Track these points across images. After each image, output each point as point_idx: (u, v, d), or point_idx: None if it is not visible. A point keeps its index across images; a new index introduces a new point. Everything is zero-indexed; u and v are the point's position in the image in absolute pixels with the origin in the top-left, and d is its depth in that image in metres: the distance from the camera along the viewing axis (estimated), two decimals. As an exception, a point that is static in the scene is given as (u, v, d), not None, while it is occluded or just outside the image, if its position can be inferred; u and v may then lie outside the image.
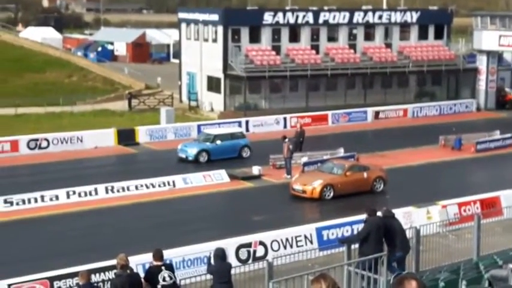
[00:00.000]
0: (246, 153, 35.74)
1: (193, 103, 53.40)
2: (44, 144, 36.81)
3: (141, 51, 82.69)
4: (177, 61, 61.82)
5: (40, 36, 79.34)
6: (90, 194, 27.65)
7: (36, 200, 26.55)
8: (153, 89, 60.59)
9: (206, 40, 52.70)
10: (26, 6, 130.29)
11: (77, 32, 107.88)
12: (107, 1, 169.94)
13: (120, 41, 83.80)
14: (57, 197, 26.99)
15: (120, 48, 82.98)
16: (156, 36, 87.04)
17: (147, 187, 28.94)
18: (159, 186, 29.22)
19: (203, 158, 34.39)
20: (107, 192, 28.01)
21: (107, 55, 79.84)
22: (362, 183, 28.36)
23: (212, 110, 51.46)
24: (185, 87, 55.95)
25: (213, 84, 52.11)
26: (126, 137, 39.13)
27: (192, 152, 34.60)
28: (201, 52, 53.24)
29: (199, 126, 41.72)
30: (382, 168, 29.87)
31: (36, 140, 36.77)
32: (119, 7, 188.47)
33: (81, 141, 37.73)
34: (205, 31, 52.69)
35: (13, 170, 33.09)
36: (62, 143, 37.26)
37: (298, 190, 27.97)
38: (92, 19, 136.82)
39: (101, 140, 38.35)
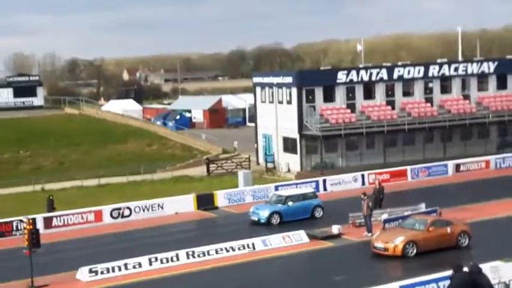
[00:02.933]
0: (318, 213, 35.25)
1: (270, 165, 53.70)
2: (127, 212, 37.64)
3: (217, 116, 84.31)
4: (252, 124, 62.62)
5: (121, 108, 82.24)
6: (172, 260, 27.91)
7: (120, 269, 26.98)
8: (230, 153, 61.40)
9: (281, 102, 53.30)
10: (107, 81, 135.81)
11: (156, 102, 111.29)
12: (184, 71, 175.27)
13: (197, 108, 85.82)
14: (140, 265, 27.38)
15: (198, 115, 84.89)
16: (232, 102, 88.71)
17: (227, 251, 29.00)
18: (239, 249, 29.22)
19: (275, 220, 34.10)
20: (188, 257, 28.22)
21: (185, 123, 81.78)
22: (446, 239, 27.54)
23: (289, 170, 51.54)
24: (261, 149, 56.45)
25: (289, 145, 52.37)
26: (206, 201, 39.57)
27: (264, 214, 34.34)
28: (276, 114, 53.80)
29: (276, 188, 41.73)
30: (465, 223, 28.95)
31: (119, 209, 37.65)
32: (195, 76, 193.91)
33: (162, 208, 38.38)
34: (280, 93, 53.36)
35: (97, 240, 33.83)
36: (143, 210, 38.01)
37: (379, 248, 27.38)
38: (170, 89, 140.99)
39: (181, 205, 38.90)
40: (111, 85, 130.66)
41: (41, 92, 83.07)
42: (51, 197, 39.17)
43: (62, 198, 45.32)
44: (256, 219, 34.64)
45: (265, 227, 33.59)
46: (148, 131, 69.05)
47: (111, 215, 37.20)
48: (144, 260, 27.61)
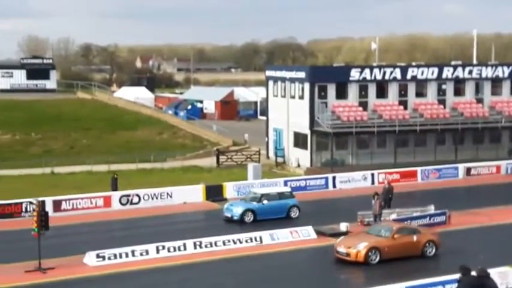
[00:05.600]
0: (294, 213, 34.46)
1: (280, 159, 53.69)
2: (135, 199, 37.77)
3: (229, 108, 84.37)
4: (264, 118, 62.65)
5: (133, 96, 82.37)
6: (179, 249, 28.00)
7: (127, 255, 27.09)
8: (240, 145, 61.42)
9: (293, 97, 53.24)
10: (120, 68, 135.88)
11: (168, 91, 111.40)
12: (197, 61, 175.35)
13: (209, 99, 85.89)
14: (147, 252, 27.49)
15: (209, 106, 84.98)
16: (244, 94, 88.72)
17: (235, 243, 29.07)
18: (246, 242, 29.28)
19: (248, 218, 33.39)
20: (195, 247, 28.32)
21: (196, 113, 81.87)
22: (412, 247, 26.82)
23: (299, 166, 51.53)
24: (272, 143, 56.44)
25: (299, 141, 52.32)
26: (214, 192, 39.64)
27: (237, 211, 33.60)
28: (288, 109, 53.75)
29: (285, 182, 41.76)
30: (434, 232, 28.42)
31: (128, 195, 37.78)
32: (208, 66, 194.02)
33: (171, 197, 38.48)
34: (292, 88, 53.28)
35: (105, 225, 33.96)
36: (152, 198, 38.12)
37: (342, 253, 26.49)
38: (183, 78, 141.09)
39: (190, 195, 38.99)
40: (124, 72, 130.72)
41: (54, 75, 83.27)
42: (115, 176, 39.97)
43: (71, 182, 45.58)
44: (229, 215, 33.86)
45: (275, 221, 33.32)
46: (159, 120, 69.14)
47: (120, 201, 37.33)
48: (151, 247, 27.71)
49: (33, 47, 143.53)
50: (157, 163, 53.06)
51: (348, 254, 26.32)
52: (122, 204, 37.33)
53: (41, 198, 27.89)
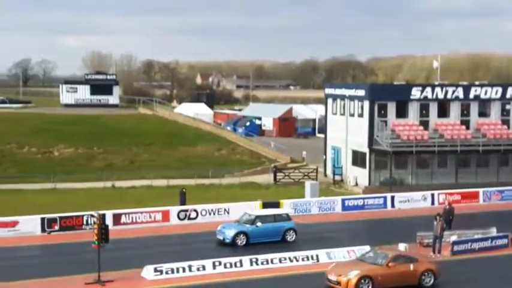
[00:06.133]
0: (291, 236, 33.18)
1: (337, 177, 53.32)
2: (193, 215, 38.10)
3: (287, 125, 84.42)
4: (322, 135, 62.38)
5: (193, 112, 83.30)
6: (235, 265, 28.06)
7: (184, 270, 27.30)
8: (298, 162, 61.29)
9: (352, 115, 52.89)
10: (181, 84, 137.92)
11: (227, 108, 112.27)
12: (256, 78, 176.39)
13: (267, 116, 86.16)
14: (204, 267, 27.64)
15: (267, 123, 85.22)
16: (302, 111, 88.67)
17: (291, 260, 28.95)
18: (303, 260, 29.14)
19: (241, 241, 32.23)
20: (251, 264, 28.32)
21: (255, 130, 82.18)
22: (408, 277, 25.45)
23: (357, 184, 51.05)
24: (330, 161, 56.13)
25: (358, 159, 51.87)
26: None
27: (229, 234, 32.46)
28: (347, 127, 53.41)
29: (343, 201, 41.44)
30: (432, 261, 27.33)
31: (186, 210, 38.15)
32: (267, 84, 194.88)
33: (228, 213, 38.62)
34: (352, 106, 52.95)
35: (163, 239, 34.31)
36: (209, 214, 38.39)
37: (332, 281, 25.20)
38: (242, 95, 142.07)
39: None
40: (184, 88, 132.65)
41: (116, 90, 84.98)
42: (184, 190, 40.98)
43: (131, 196, 46.31)
44: (221, 238, 32.77)
45: (269, 245, 31.76)
46: (218, 136, 69.67)
47: (178, 216, 37.71)
48: (208, 263, 27.86)
49: (96, 62, 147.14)
50: (215, 179, 53.42)
51: (338, 283, 24.93)
52: (179, 219, 37.71)
53: (101, 212, 28.39)
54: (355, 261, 26.64)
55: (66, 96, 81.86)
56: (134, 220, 36.77)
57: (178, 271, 27.17)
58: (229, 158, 62.46)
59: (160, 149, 63.04)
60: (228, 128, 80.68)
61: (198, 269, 27.50)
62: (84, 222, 35.39)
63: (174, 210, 37.95)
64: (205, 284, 26.41)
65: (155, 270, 27.03)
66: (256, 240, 32.30)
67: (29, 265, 29.00)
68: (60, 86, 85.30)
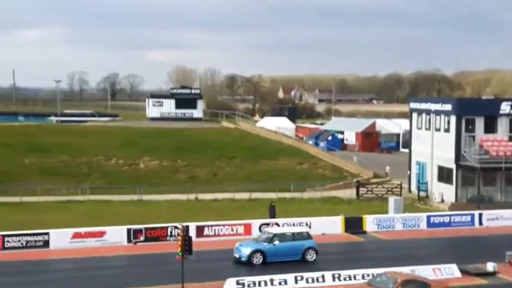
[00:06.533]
0: (311, 256, 31.93)
1: (422, 193, 52.15)
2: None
3: (370, 140, 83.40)
4: (406, 150, 61.23)
5: (275, 125, 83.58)
6: (317, 280, 27.88)
7: (266, 283, 27.31)
8: (381, 177, 60.36)
9: (438, 130, 51.71)
10: (263, 98, 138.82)
11: (309, 122, 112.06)
12: (338, 92, 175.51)
13: (349, 130, 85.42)
14: (285, 281, 27.58)
15: (350, 137, 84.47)
16: (386, 126, 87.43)
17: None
18: (386, 277, 28.53)
19: (257, 259, 31.02)
20: (333, 279, 28.06)
21: (337, 144, 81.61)
22: None
23: (442, 201, 49.76)
24: (414, 177, 54.99)
25: (444, 175, 50.60)
26: (354, 225, 39.17)
27: (245, 252, 31.30)
28: (432, 142, 52.25)
29: (428, 218, 40.48)
30: (447, 286, 25.47)
31: (268, 224, 38.13)
32: (349, 97, 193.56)
33: (310, 227, 38.26)
34: (437, 121, 51.79)
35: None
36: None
37: None
38: (324, 109, 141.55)
39: (329, 226, 38.78)
40: (266, 102, 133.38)
41: (200, 104, 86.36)
42: (273, 204, 41.54)
43: (213, 209, 46.80)
44: (237, 256, 31.70)
45: (288, 264, 30.65)
46: (300, 150, 69.55)
47: (259, 229, 37.73)
48: (290, 277, 27.78)
49: (181, 77, 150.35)
50: (297, 193, 53.29)
51: None
52: (261, 232, 37.69)
53: (185, 224, 28.79)
54: (363, 286, 25.29)
55: (152, 110, 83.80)
56: (217, 232, 37.11)
57: (260, 284, 27.20)
58: (311, 172, 62.21)
59: (243, 162, 63.49)
60: (310, 142, 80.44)
61: (279, 283, 27.46)
62: (169, 233, 35.99)
63: (256, 223, 38.04)
64: (287, 298, 26.29)
65: (237, 282, 27.15)
66: (274, 259, 30.96)
67: (115, 275, 29.69)
68: (147, 100, 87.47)
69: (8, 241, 33.67)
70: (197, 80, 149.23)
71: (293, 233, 32.48)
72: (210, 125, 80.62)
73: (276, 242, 31.28)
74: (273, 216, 40.17)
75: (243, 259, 31.32)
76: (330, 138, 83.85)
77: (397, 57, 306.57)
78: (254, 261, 31.07)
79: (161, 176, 59.00)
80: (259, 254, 31.07)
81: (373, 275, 28.43)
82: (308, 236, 32.64)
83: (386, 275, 25.26)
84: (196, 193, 51.86)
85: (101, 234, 35.34)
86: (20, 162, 59.01)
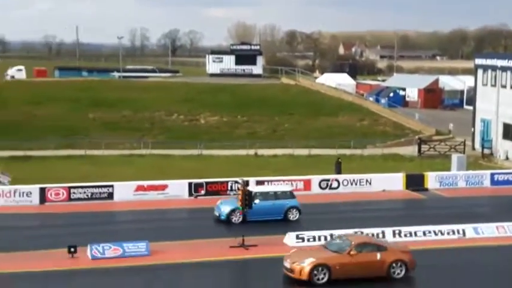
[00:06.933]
0: (293, 215, 31.26)
1: (486, 151, 51.04)
2: (335, 184, 38.01)
3: (433, 97, 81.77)
4: (470, 108, 59.82)
5: (335, 82, 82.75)
6: (378, 236, 27.66)
7: (325, 238, 27.26)
8: (443, 135, 59.27)
9: (504, 86, 50.26)
10: (323, 54, 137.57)
11: (370, 78, 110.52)
12: (401, 48, 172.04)
13: (411, 87, 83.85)
14: (346, 236, 27.48)
15: (412, 94, 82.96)
16: (449, 83, 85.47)
17: (436, 234, 28.22)
18: (448, 234, 28.29)
19: (236, 218, 30.30)
20: (394, 235, 27.88)
21: (398, 101, 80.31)
22: (373, 267, 22.87)
23: (507, 158, 48.63)
24: (478, 134, 53.78)
25: (509, 132, 49.34)
26: (415, 182, 38.72)
27: (224, 210, 30.83)
28: (498, 99, 50.85)
29: (492, 175, 39.65)
30: (406, 250, 23.99)
31: (328, 180, 38.12)
32: (412, 54, 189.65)
33: (370, 183, 38.19)
34: (504, 77, 50.30)
35: (305, 208, 34.37)
36: (351, 184, 38.13)
37: (287, 268, 23.05)
38: (385, 66, 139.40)
39: (389, 183, 38.44)
40: (326, 58, 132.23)
41: (260, 61, 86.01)
42: (339, 160, 41.76)
43: (273, 165, 46.96)
44: (217, 214, 31.22)
45: (269, 224, 29.98)
46: (361, 106, 68.80)
47: (319, 185, 37.78)
48: (349, 232, 27.61)
49: (241, 33, 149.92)
50: (357, 150, 52.90)
51: (291, 270, 22.77)
52: (321, 188, 37.77)
53: (245, 178, 28.96)
54: (317, 248, 24.24)
55: (212, 66, 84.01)
56: (276, 188, 37.18)
57: (320, 239, 27.23)
58: (371, 128, 61.59)
59: (302, 118, 63.28)
60: (371, 98, 79.45)
61: (339, 238, 27.39)
62: (229, 187, 36.35)
63: (315, 179, 38.03)
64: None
65: (297, 237, 27.31)
66: (254, 218, 29.84)
67: (177, 227, 30.25)
68: (207, 56, 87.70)
69: (73, 192, 34.65)
70: (257, 36, 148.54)
71: (275, 192, 31.74)
72: (269, 81, 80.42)
73: (257, 201, 30.18)
74: (338, 172, 40.26)
75: (222, 217, 30.83)
76: (391, 94, 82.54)
77: (461, 12, 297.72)
78: (233, 220, 30.48)
79: (221, 131, 59.43)
80: (238, 213, 30.10)
81: (434, 232, 28.22)
82: (291, 195, 31.91)
83: (342, 237, 24.36)
84: (256, 149, 52.06)
85: (163, 187, 35.96)
86: (85, 116, 60.36)
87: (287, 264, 23.07)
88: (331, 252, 23.15)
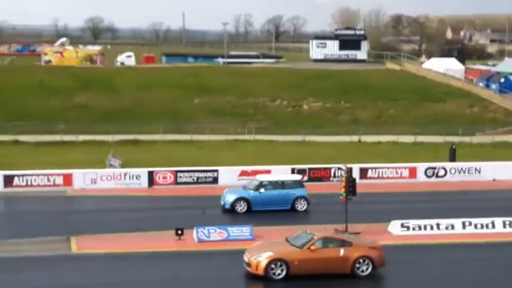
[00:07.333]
0: (301, 205, 30.02)
1: None
2: (441, 172, 37.04)
3: (547, 82, 77.81)
4: None
5: (442, 67, 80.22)
6: (487, 226, 26.84)
7: (432, 227, 26.75)
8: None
9: None
10: (430, 38, 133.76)
11: (479, 63, 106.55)
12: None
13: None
14: (452, 226, 26.84)
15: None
16: None
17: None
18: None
19: (241, 207, 29.54)
20: (504, 226, 26.87)
21: (510, 86, 76.91)
22: (336, 263, 21.48)
23: None
24: None
25: None
26: (528, 171, 37.07)
27: (229, 199, 29.83)
28: None
29: None
30: (373, 246, 21.98)
31: (434, 168, 37.19)
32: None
33: (479, 172, 36.98)
34: None
35: (410, 196, 33.88)
36: (459, 172, 37.05)
37: (245, 262, 21.81)
38: (496, 50, 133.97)
39: (500, 172, 37.09)
40: (433, 43, 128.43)
41: (364, 46, 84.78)
42: (454, 147, 41.51)
43: (377, 151, 46.29)
44: (222, 203, 30.29)
45: (276, 214, 28.89)
46: (470, 92, 66.52)
47: (425, 173, 36.92)
48: (457, 222, 27.01)
49: (345, 18, 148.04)
50: (466, 137, 51.26)
51: (248, 264, 21.61)
52: (427, 176, 36.93)
53: (349, 165, 28.66)
54: (279, 242, 22.74)
55: (316, 51, 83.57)
56: (381, 175, 36.74)
57: (425, 228, 26.72)
58: (481, 115, 59.52)
59: (408, 104, 61.95)
60: (481, 84, 76.55)
61: (446, 228, 26.78)
62: (332, 174, 36.15)
63: (421, 167, 37.19)
64: (454, 243, 25.65)
65: (402, 225, 26.84)
66: (259, 208, 29.38)
67: (280, 212, 30.27)
68: (310, 41, 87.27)
69: (180, 176, 35.51)
70: (361, 21, 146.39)
71: (282, 181, 30.61)
72: (374, 66, 79.18)
73: (262, 190, 29.70)
74: (453, 159, 39.50)
75: (227, 206, 30.09)
76: (502, 80, 79.02)
77: None
78: (238, 209, 29.81)
79: (324, 117, 59.13)
80: (243, 202, 29.69)
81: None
82: (300, 185, 30.82)
83: (307, 232, 22.83)
84: (359, 135, 51.49)
85: (266, 173, 36.18)
86: (190, 102, 61.62)
87: (245, 257, 22.00)
88: (292, 246, 22.02)
